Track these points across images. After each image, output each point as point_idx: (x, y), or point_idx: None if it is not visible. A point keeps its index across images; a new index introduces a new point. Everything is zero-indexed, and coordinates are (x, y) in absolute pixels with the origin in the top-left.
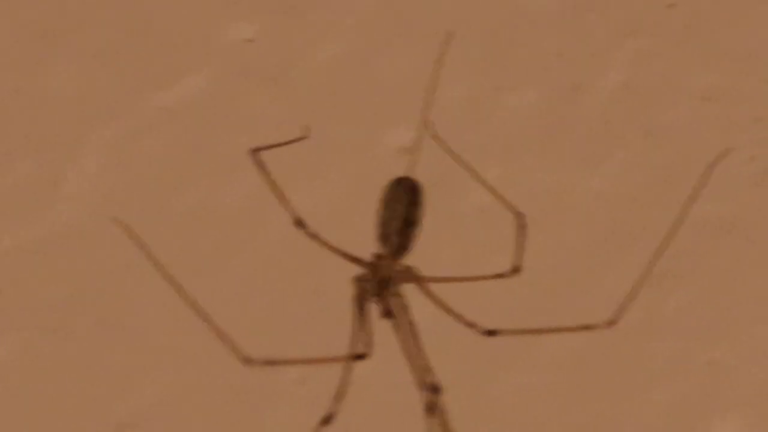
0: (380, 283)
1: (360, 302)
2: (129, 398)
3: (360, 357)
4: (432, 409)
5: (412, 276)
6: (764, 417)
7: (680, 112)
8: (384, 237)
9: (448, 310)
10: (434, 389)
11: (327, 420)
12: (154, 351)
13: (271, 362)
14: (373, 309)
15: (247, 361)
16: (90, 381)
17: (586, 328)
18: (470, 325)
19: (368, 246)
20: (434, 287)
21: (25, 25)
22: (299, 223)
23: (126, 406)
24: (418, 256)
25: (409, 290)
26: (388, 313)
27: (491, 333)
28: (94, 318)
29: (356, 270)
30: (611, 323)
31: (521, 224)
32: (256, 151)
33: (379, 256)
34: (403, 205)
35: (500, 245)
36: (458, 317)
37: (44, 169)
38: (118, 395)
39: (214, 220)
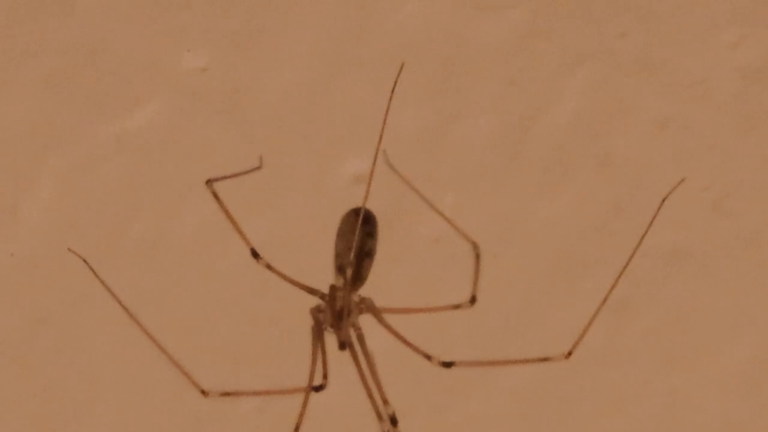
0: (337, 314)
1: (317, 333)
2: (85, 429)
3: (317, 388)
4: None
5: (368, 307)
6: None
7: (634, 141)
8: (340, 268)
9: (405, 342)
10: (392, 420)
11: None
12: (110, 381)
13: (228, 394)
14: (330, 340)
15: (204, 393)
16: (46, 411)
17: (543, 360)
18: (427, 356)
19: (324, 277)
20: (391, 318)
21: None
22: (255, 254)
23: None
24: (374, 287)
25: (365, 321)
26: (344, 345)
27: (447, 365)
28: (49, 347)
29: (313, 301)
30: (568, 354)
31: (476, 254)
32: (210, 181)
33: (335, 287)
34: (358, 236)
35: (456, 276)
36: (415, 349)
37: None
38: (75, 425)
39: (169, 249)
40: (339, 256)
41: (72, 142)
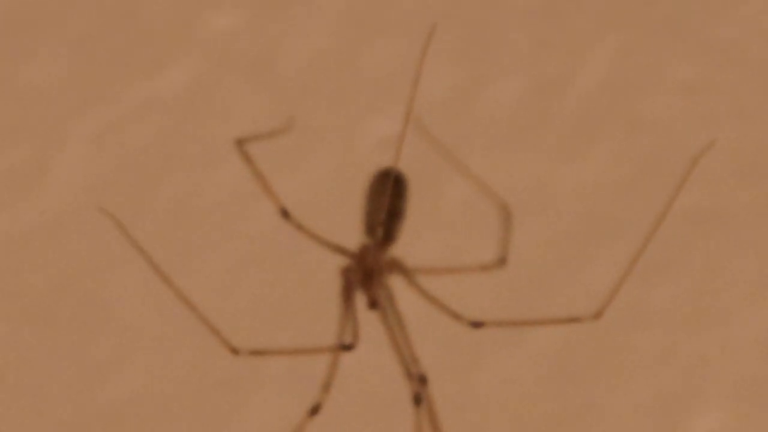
0: (366, 274)
1: (346, 293)
2: (114, 387)
3: (347, 348)
4: (419, 399)
5: (398, 267)
6: (749, 409)
7: (664, 105)
8: (369, 228)
9: (434, 302)
10: (421, 380)
11: (314, 410)
12: (139, 340)
13: (257, 352)
14: (360, 300)
15: (234, 351)
16: (75, 370)
17: (572, 320)
18: (456, 316)
19: (354, 237)
20: (420, 278)
21: (6, 16)
22: (285, 214)
23: (111, 395)
24: (404, 248)
25: (395, 281)
26: (374, 304)
27: (477, 324)
28: (79, 307)
29: (343, 260)
30: (597, 315)
31: (506, 216)
32: (240, 142)
33: (365, 247)
34: (388, 196)
35: (485, 237)
36: (444, 308)
37: (29, 159)
38: (104, 384)
39: (199, 210)
40: (369, 215)
41: (103, 102)
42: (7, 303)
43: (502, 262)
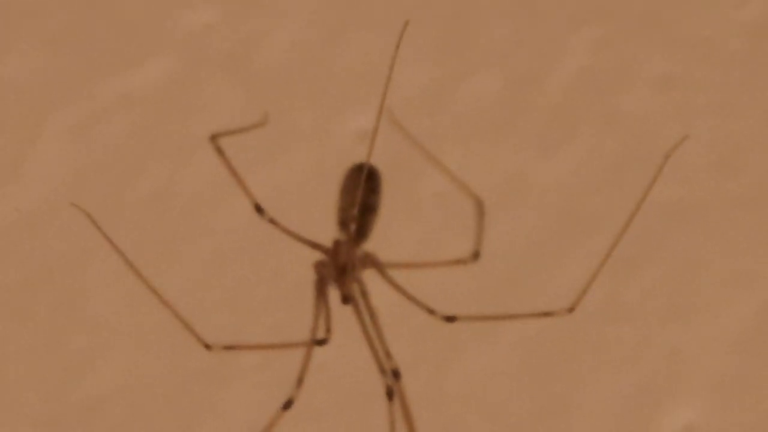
0: (340, 268)
1: (320, 288)
2: (89, 382)
3: (320, 342)
4: (391, 393)
5: (371, 262)
6: (724, 402)
7: (638, 99)
8: (343, 223)
9: (408, 296)
10: (394, 374)
11: (287, 405)
12: (114, 336)
13: (231, 347)
14: (334, 295)
15: (208, 346)
16: (50, 364)
17: (546, 314)
18: (430, 311)
19: (328, 232)
20: (394, 273)
21: None
22: (258, 209)
23: (86, 390)
24: (377, 242)
25: (368, 276)
26: (347, 299)
27: (450, 319)
28: (54, 302)
29: (316, 256)
30: (571, 309)
31: (480, 210)
32: (215, 137)
33: (338, 243)
34: (361, 191)
35: (459, 231)
36: (418, 303)
37: (4, 154)
38: (78, 379)
39: (173, 205)
40: (342, 210)
41: (78, 98)
42: None
43: (475, 256)
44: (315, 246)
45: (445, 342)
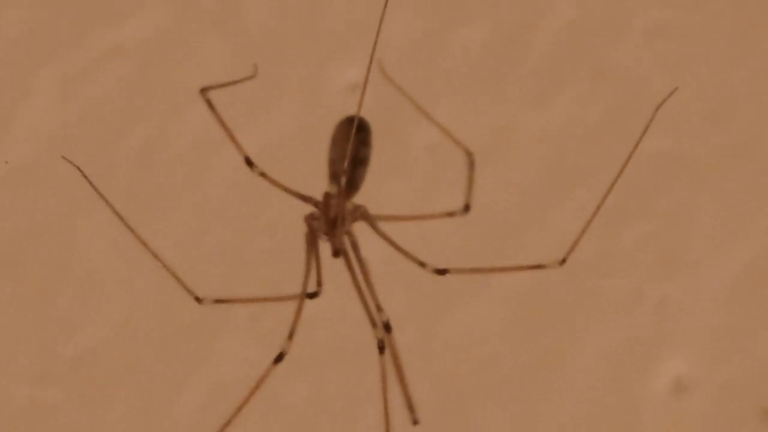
0: (331, 221)
1: (311, 240)
2: (81, 334)
3: (311, 295)
4: (383, 347)
5: (362, 214)
6: (715, 354)
7: (627, 50)
8: (334, 176)
9: (399, 249)
10: (385, 327)
11: (279, 358)
12: (105, 288)
13: (222, 301)
14: (324, 248)
15: (198, 300)
16: (42, 317)
17: (537, 267)
18: (421, 264)
19: (319, 185)
20: (385, 226)
21: None
22: (249, 163)
23: (78, 344)
24: (368, 195)
25: (359, 229)
26: (338, 252)
27: (441, 272)
28: (45, 255)
29: (307, 209)
30: (562, 262)
31: (470, 162)
32: (204, 90)
33: (329, 195)
34: (352, 144)
35: (450, 184)
36: (409, 256)
37: None
38: (71, 331)
39: (164, 158)
40: (333, 163)
41: (67, 51)
42: None
43: (466, 209)
44: (305, 199)
45: (437, 295)
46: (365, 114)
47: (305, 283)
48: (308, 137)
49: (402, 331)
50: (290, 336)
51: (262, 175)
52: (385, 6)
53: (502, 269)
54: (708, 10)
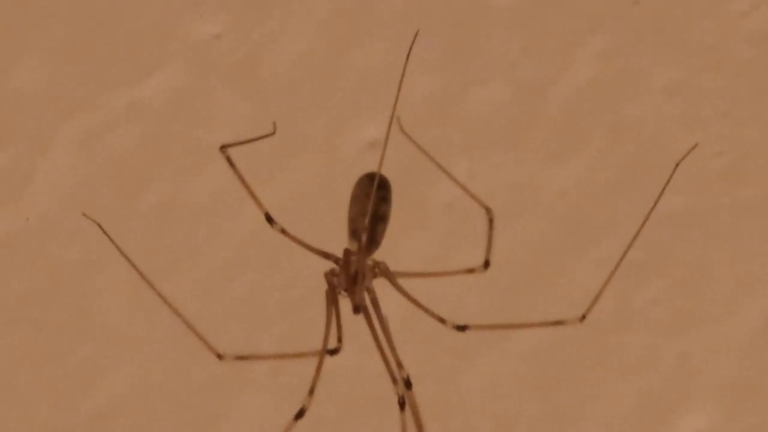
0: (351, 278)
1: (331, 297)
2: (100, 391)
3: (333, 352)
4: (403, 403)
5: (382, 271)
6: (734, 409)
7: (646, 108)
8: (354, 232)
9: (419, 305)
10: (405, 383)
11: (300, 414)
12: (124, 344)
13: (243, 357)
14: (345, 304)
15: (220, 356)
16: (61, 374)
17: (557, 323)
18: (441, 320)
19: (339, 241)
20: (405, 282)
21: None
22: (269, 219)
23: (97, 399)
24: (388, 252)
25: (379, 285)
26: (359, 308)
27: (462, 328)
28: (64, 312)
29: (327, 265)
30: (582, 318)
31: (490, 219)
32: (225, 147)
33: (349, 252)
34: (372, 201)
35: (469, 241)
36: (429, 312)
37: (15, 164)
38: (90, 388)
39: (184, 215)
40: (353, 220)
41: (87, 108)
42: None
43: (485, 265)
44: (326, 255)
45: (457, 351)
46: (385, 171)
47: (325, 340)
48: (328, 194)
49: (422, 387)
50: (311, 392)
51: (283, 231)
52: (406, 64)
53: (522, 325)
54: (724, 68)
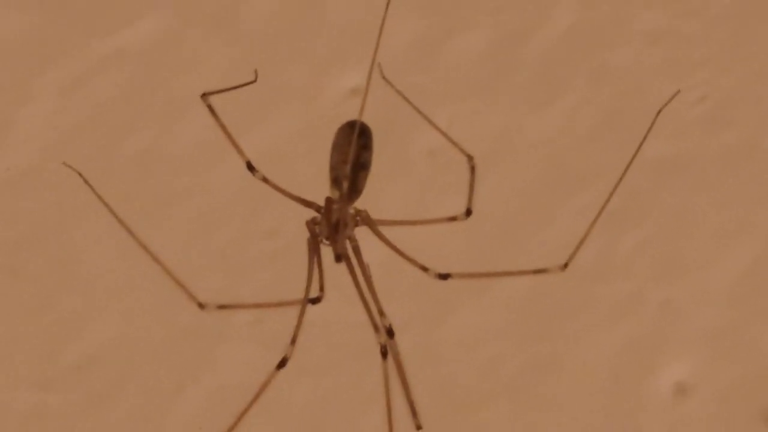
0: (333, 226)
1: (313, 245)
2: (83, 340)
3: (314, 301)
4: (385, 351)
5: (364, 219)
6: (716, 357)
7: (628, 54)
8: (335, 181)
9: (401, 254)
10: (388, 332)
11: (282, 363)
12: (106, 294)
13: (225, 307)
14: (327, 253)
15: (201, 305)
16: (44, 322)
17: (540, 271)
18: (423, 268)
19: (320, 190)
20: (386, 230)
21: None
22: (250, 167)
23: (80, 348)
24: (369, 200)
25: (361, 234)
26: (341, 257)
27: (444, 276)
28: (46, 261)
29: (309, 213)
30: (564, 266)
31: (471, 167)
32: (206, 95)
33: (330, 200)
34: (353, 148)
35: (451, 188)
36: (411, 261)
37: None
38: (72, 337)
39: (165, 163)
40: (334, 168)
41: (69, 56)
42: None
43: (467, 213)
44: (307, 204)
45: (439, 299)
46: (366, 119)
47: (307, 289)
48: (309, 142)
49: (404, 335)
50: (293, 341)
51: (264, 179)
52: (386, 11)
53: (505, 273)
54: (707, 15)
